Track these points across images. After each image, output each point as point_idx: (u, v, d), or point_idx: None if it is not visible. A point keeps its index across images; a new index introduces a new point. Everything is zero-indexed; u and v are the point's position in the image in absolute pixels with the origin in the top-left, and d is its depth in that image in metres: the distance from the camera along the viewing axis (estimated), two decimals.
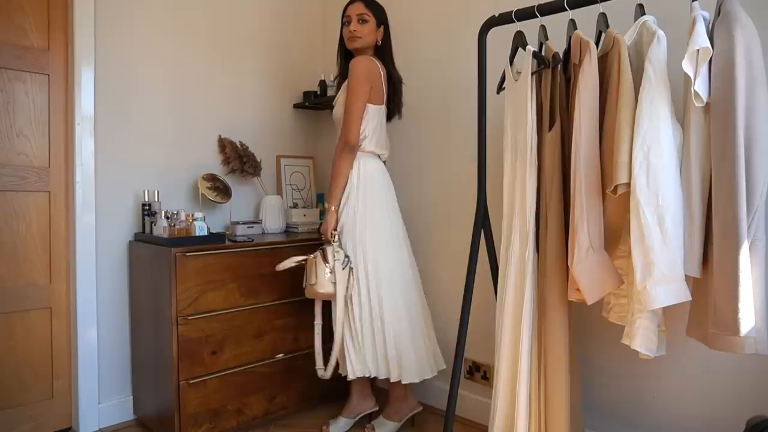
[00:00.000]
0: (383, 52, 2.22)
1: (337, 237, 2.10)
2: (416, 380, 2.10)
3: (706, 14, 1.36)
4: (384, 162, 2.25)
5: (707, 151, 1.37)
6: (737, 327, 1.25)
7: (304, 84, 2.98)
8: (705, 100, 1.33)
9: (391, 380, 2.10)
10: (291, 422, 2.37)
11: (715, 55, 1.30)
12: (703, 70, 1.31)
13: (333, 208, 2.11)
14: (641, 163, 1.37)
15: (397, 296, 2.11)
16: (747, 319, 1.25)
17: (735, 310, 1.25)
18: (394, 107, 2.27)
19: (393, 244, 2.16)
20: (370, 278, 2.08)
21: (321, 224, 2.18)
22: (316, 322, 2.18)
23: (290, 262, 2.11)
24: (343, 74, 2.25)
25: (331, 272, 2.04)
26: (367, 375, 2.11)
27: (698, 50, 1.31)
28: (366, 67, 2.09)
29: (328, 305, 2.21)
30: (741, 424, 1.41)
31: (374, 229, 2.11)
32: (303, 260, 2.13)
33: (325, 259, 2.05)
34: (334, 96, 2.29)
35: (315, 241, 2.36)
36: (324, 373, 2.15)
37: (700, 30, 1.30)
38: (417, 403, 2.29)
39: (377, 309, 2.08)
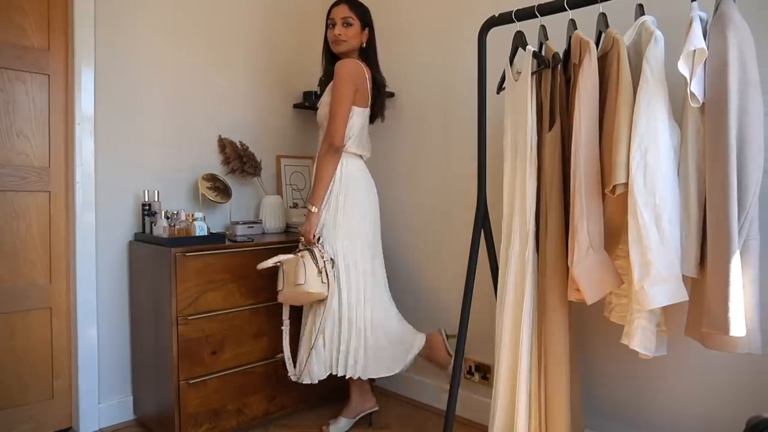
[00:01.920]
0: (368, 54, 2.22)
1: (320, 239, 2.09)
2: (372, 376, 2.12)
3: (704, 15, 1.37)
4: (365, 162, 2.27)
5: (704, 151, 1.37)
6: (728, 327, 1.25)
7: (304, 84, 2.97)
8: (701, 101, 1.33)
9: (348, 377, 2.11)
10: (291, 422, 2.37)
11: (709, 57, 1.31)
12: (699, 70, 1.31)
13: (315, 210, 2.07)
14: (639, 163, 1.38)
15: (363, 297, 2.11)
16: (737, 319, 1.25)
17: (726, 310, 1.26)
18: (377, 110, 2.28)
19: (367, 244, 2.16)
20: (342, 278, 2.08)
21: (301, 225, 2.16)
22: (283, 327, 2.18)
23: (271, 261, 2.05)
24: (327, 76, 2.23)
25: (320, 272, 2.00)
26: (326, 374, 2.11)
27: (694, 51, 1.31)
28: (352, 69, 2.09)
29: (294, 309, 2.23)
30: (741, 424, 1.41)
31: (351, 229, 2.11)
32: (286, 258, 2.06)
33: (314, 259, 2.01)
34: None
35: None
36: (298, 377, 2.15)
37: (696, 31, 1.30)
38: (374, 403, 2.32)
39: (345, 308, 2.07)
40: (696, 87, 1.32)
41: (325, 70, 2.27)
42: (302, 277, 1.98)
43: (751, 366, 1.61)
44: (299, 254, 2.04)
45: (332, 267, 2.06)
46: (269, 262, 2.06)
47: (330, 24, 2.18)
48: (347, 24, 2.14)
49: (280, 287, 2.10)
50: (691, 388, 1.75)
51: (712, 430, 1.71)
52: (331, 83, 2.14)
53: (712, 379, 1.70)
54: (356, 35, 2.16)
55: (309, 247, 2.07)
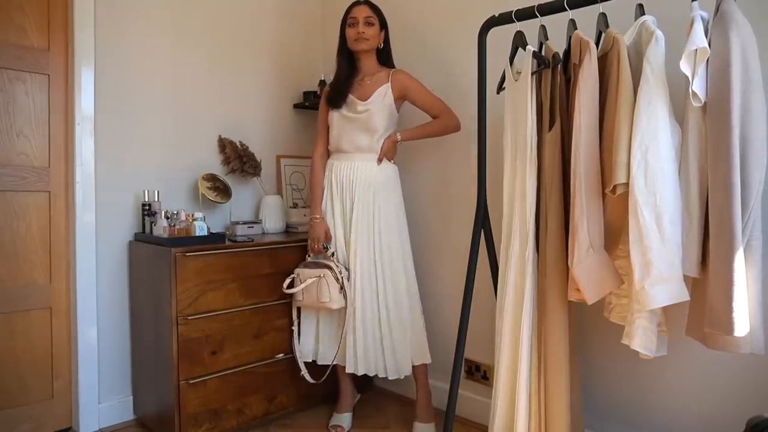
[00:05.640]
0: (386, 55, 2.29)
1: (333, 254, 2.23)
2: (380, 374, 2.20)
3: (705, 14, 1.36)
4: None
5: (706, 150, 1.37)
6: (731, 327, 1.25)
7: (304, 84, 2.97)
8: (703, 100, 1.33)
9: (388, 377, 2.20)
10: (291, 422, 2.37)
11: (712, 56, 1.30)
12: (701, 70, 1.31)
13: None
14: (639, 162, 1.38)
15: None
16: (741, 319, 1.25)
17: (729, 310, 1.25)
18: None
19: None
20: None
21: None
22: (294, 327, 2.31)
23: (301, 286, 2.18)
24: (348, 77, 2.24)
25: (342, 289, 2.12)
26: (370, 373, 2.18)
27: (696, 50, 1.31)
28: None
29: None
30: (741, 424, 1.41)
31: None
32: (313, 280, 2.16)
33: (336, 279, 2.13)
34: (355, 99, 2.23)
35: None
36: (309, 377, 2.27)
37: (698, 30, 1.30)
38: (356, 391, 2.45)
39: (383, 307, 2.18)
40: (698, 86, 1.31)
41: (344, 70, 2.27)
42: (326, 295, 2.13)
43: (751, 366, 1.61)
44: (321, 275, 2.14)
45: (348, 280, 2.16)
46: (299, 287, 2.19)
47: (351, 23, 2.20)
48: (369, 23, 2.18)
49: (301, 298, 2.22)
50: (691, 388, 1.75)
51: (712, 429, 1.71)
52: (382, 89, 2.19)
53: (712, 379, 1.70)
54: (376, 35, 2.21)
55: (328, 264, 2.17)
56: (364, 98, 2.20)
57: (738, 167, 1.26)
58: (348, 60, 2.27)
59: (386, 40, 2.28)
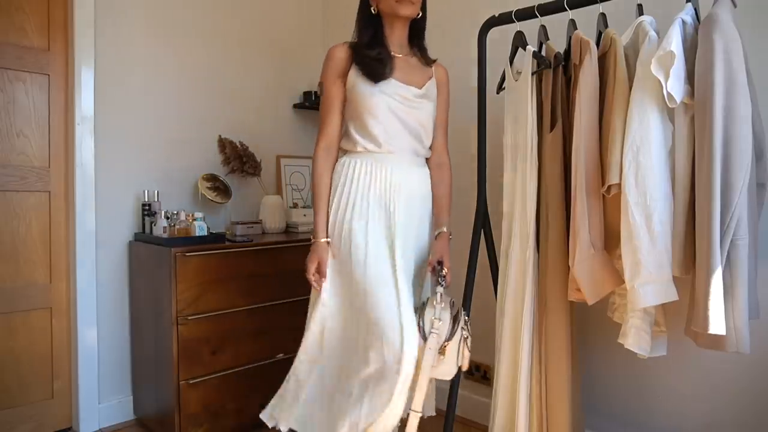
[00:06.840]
0: (419, 32, 1.74)
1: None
2: None
3: (689, 18, 1.38)
4: None
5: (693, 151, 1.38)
6: (707, 324, 1.26)
7: (304, 84, 2.97)
8: (678, 101, 1.34)
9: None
10: None
11: (697, 59, 1.32)
12: (675, 71, 1.32)
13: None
14: (630, 162, 1.39)
15: None
16: (716, 316, 1.25)
17: (705, 308, 1.26)
18: None
19: None
20: None
21: (438, 252, 1.69)
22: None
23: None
24: (386, 47, 1.65)
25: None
26: None
27: (666, 53, 1.32)
28: None
29: None
30: (742, 424, 1.41)
31: None
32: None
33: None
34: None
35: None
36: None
37: (672, 34, 1.32)
38: None
39: None
40: (673, 87, 1.32)
41: (367, 37, 1.66)
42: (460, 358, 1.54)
43: (751, 366, 1.61)
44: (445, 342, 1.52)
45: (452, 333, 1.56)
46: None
47: None
48: None
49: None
50: (693, 389, 1.75)
51: (712, 429, 1.71)
52: (432, 82, 1.73)
53: (713, 380, 1.70)
54: (420, 1, 1.64)
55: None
56: (418, 84, 1.65)
57: (719, 168, 1.26)
58: (371, 27, 1.65)
59: (424, 11, 1.71)
